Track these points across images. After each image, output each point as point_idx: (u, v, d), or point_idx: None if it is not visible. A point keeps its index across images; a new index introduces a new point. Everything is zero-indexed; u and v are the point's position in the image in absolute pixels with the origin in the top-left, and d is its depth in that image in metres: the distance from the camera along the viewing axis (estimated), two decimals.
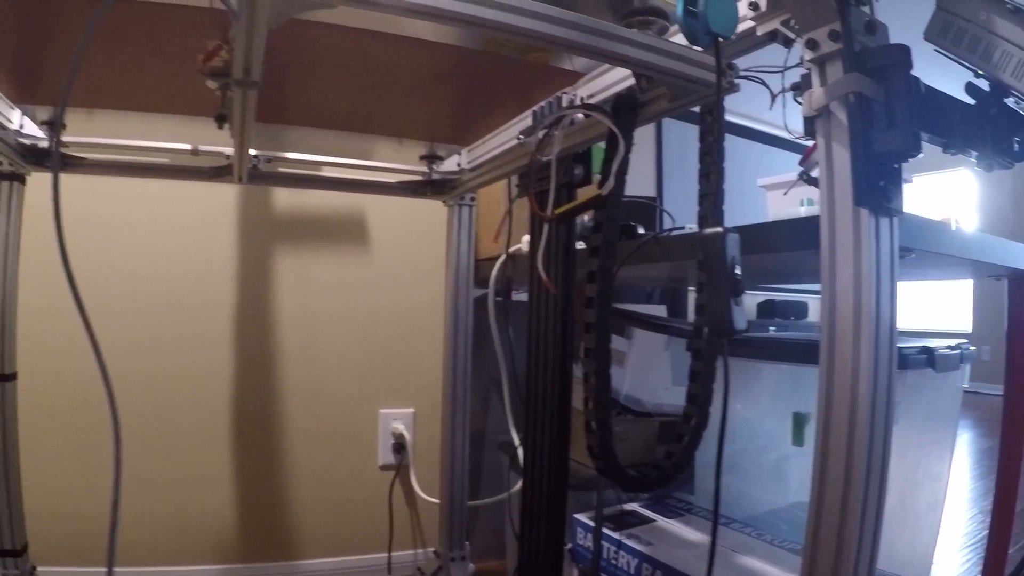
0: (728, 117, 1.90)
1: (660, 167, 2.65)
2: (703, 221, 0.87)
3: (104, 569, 1.67)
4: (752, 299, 2.43)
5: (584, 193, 1.03)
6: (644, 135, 2.58)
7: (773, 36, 0.76)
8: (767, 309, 2.31)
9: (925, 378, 1.30)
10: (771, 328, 1.84)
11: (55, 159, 0.89)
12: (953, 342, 1.37)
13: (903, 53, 0.67)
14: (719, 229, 0.70)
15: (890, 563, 1.22)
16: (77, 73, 0.79)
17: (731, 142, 1.96)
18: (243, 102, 0.95)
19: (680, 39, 0.79)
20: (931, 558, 1.42)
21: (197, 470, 1.83)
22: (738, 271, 0.70)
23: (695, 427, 0.89)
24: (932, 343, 1.32)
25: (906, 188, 1.65)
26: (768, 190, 1.59)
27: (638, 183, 2.50)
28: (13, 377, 1.43)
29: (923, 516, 1.38)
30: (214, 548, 1.85)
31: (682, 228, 1.37)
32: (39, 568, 1.53)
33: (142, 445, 1.71)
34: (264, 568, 1.89)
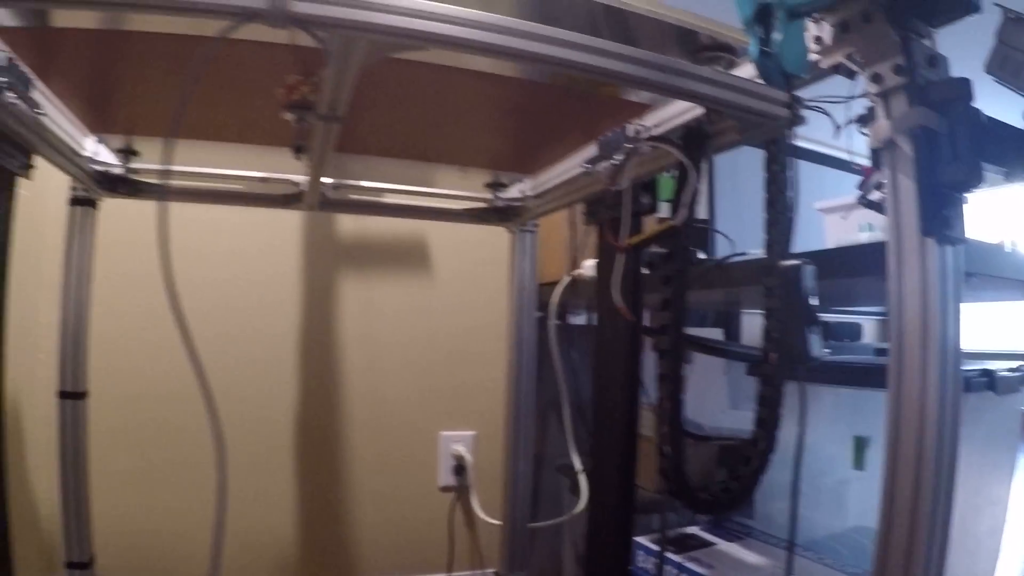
0: (800, 142, 1.91)
1: (712, 189, 2.65)
2: (771, 250, 0.90)
3: None
4: None
5: (650, 222, 1.06)
6: None
7: (836, 69, 0.79)
8: (823, 332, 2.30)
9: (986, 401, 1.29)
10: (826, 351, 1.84)
11: (162, 190, 0.92)
12: (1013, 364, 1.36)
13: (965, 86, 0.69)
14: (798, 262, 0.72)
15: None
16: (165, 106, 0.83)
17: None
18: (325, 135, 0.99)
19: (746, 71, 0.82)
20: None
21: (261, 491, 1.87)
22: (814, 301, 0.73)
23: (763, 451, 0.91)
24: (992, 365, 1.32)
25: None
26: (826, 214, 1.60)
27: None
28: (86, 395, 1.49)
29: (983, 541, 1.37)
30: (278, 568, 1.88)
31: (743, 254, 1.38)
32: None
33: (209, 466, 1.75)
34: None
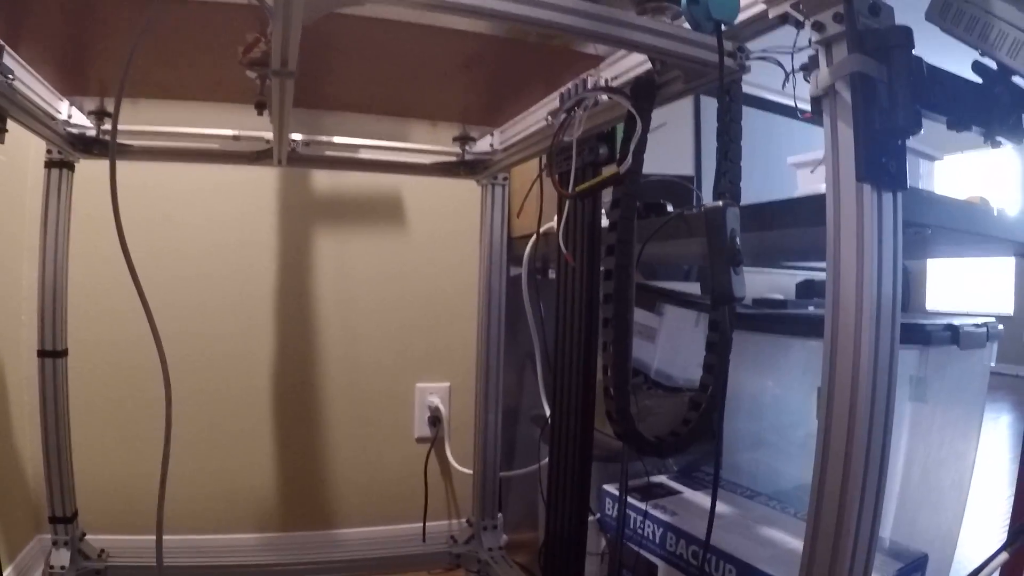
0: (766, 95, 1.91)
1: (699, 145, 2.65)
2: (718, 197, 0.90)
3: (149, 536, 1.76)
4: (791, 279, 2.44)
5: (606, 171, 1.06)
6: (682, 113, 2.58)
7: (784, 19, 0.79)
8: (806, 289, 2.32)
9: (950, 356, 1.30)
10: (810, 307, 1.84)
11: (112, 148, 0.93)
12: (980, 320, 1.37)
13: (904, 34, 0.70)
14: (719, 203, 0.73)
15: (913, 538, 1.23)
16: (128, 67, 0.84)
17: (768, 119, 1.95)
18: (281, 90, 1.00)
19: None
20: (956, 535, 1.42)
21: (240, 444, 1.89)
22: (737, 242, 0.73)
23: (712, 395, 0.92)
24: (958, 321, 1.33)
25: (936, 166, 1.65)
26: (797, 168, 1.60)
27: (676, 161, 2.50)
28: (65, 353, 1.52)
29: (947, 494, 1.39)
30: (256, 517, 1.92)
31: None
32: (88, 535, 1.62)
33: (188, 421, 1.77)
34: (304, 536, 1.95)
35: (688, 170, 2.64)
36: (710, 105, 2.16)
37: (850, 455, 0.70)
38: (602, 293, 0.88)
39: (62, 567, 1.52)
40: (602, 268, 0.89)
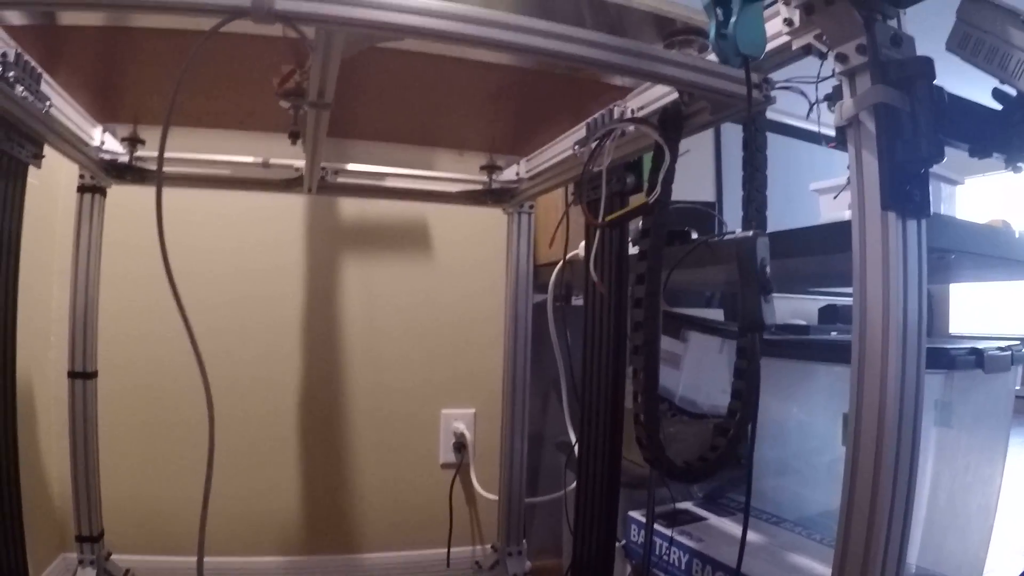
0: (789, 120, 1.92)
1: (720, 172, 2.66)
2: (747, 226, 0.92)
3: (173, 557, 1.77)
4: (813, 304, 2.44)
5: (635, 201, 1.08)
6: (703, 141, 2.59)
7: (807, 50, 0.81)
8: (829, 314, 2.31)
9: (975, 380, 1.28)
10: (833, 332, 1.84)
11: (159, 177, 0.96)
12: (1004, 343, 1.37)
13: (925, 65, 0.71)
14: (749, 233, 0.75)
15: (939, 564, 1.23)
16: (168, 97, 0.87)
17: (791, 145, 1.96)
18: (316, 121, 1.03)
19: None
20: (983, 560, 1.41)
21: (266, 467, 1.92)
22: (768, 271, 0.75)
23: (740, 421, 0.93)
24: (983, 344, 1.32)
25: (958, 191, 1.65)
26: (820, 194, 1.61)
27: (697, 188, 2.51)
28: (95, 375, 1.54)
29: (973, 519, 1.37)
30: (280, 540, 1.94)
31: (733, 232, 1.40)
32: (113, 555, 1.63)
33: (216, 442, 1.78)
34: (327, 560, 1.97)
35: (709, 196, 2.65)
36: (729, 131, 2.18)
37: (878, 480, 0.70)
38: (631, 321, 0.90)
39: None
40: (631, 296, 0.91)
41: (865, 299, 0.73)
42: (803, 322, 2.06)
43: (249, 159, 1.54)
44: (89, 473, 1.54)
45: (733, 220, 1.63)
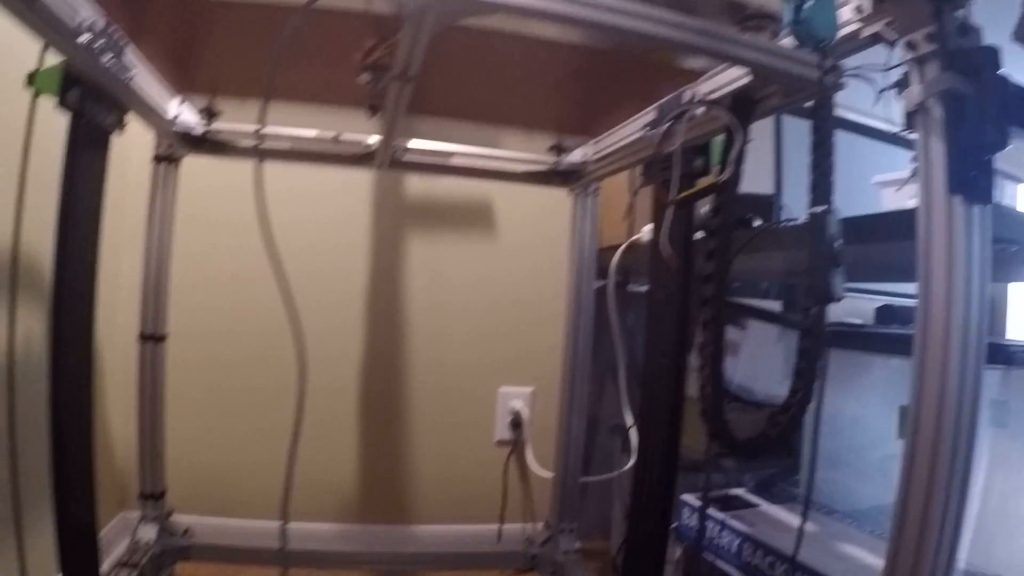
0: (850, 115, 1.91)
1: (779, 164, 2.65)
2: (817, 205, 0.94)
3: (232, 519, 1.83)
4: (869, 303, 2.42)
5: (703, 182, 1.11)
6: (763, 132, 2.58)
7: (876, 38, 0.83)
8: (886, 314, 2.30)
9: None
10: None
11: (259, 152, 1.00)
12: None
13: (993, 54, 0.74)
14: (824, 207, 0.78)
15: (989, 563, 1.23)
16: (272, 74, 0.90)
17: (852, 140, 1.95)
18: (398, 95, 1.06)
19: (790, 41, 0.87)
20: None
21: (326, 438, 1.98)
22: (837, 245, 0.77)
23: (800, 400, 0.95)
24: None
25: (1021, 189, 1.63)
26: (882, 187, 1.61)
27: (757, 179, 2.51)
28: (164, 338, 1.60)
29: None
30: (338, 508, 2.00)
31: (796, 219, 1.41)
32: (174, 515, 1.70)
33: (279, 412, 1.84)
34: (382, 529, 2.02)
35: (768, 189, 2.65)
36: (789, 126, 2.18)
37: (934, 474, 0.72)
38: (701, 296, 0.92)
39: (148, 542, 1.59)
40: (701, 272, 0.94)
41: (930, 285, 0.75)
42: (859, 320, 2.05)
43: (321, 133, 1.57)
44: (156, 433, 1.60)
45: (793, 212, 1.64)
